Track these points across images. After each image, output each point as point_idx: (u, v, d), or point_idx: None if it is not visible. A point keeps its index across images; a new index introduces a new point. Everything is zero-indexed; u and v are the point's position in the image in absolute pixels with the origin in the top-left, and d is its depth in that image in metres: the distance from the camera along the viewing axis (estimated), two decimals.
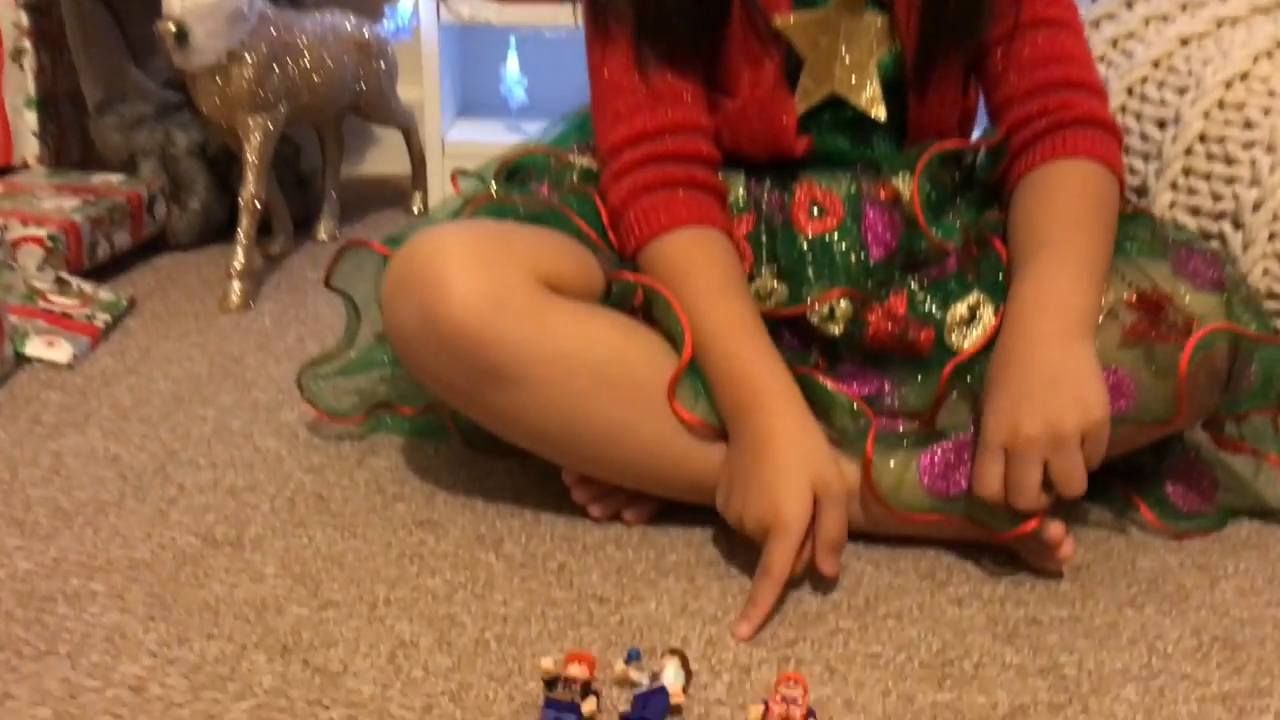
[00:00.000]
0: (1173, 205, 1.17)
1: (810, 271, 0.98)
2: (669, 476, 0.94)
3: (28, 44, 1.74)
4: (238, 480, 1.04)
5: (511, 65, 1.87)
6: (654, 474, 0.94)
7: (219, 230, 1.65)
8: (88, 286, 1.39)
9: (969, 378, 0.95)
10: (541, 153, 1.08)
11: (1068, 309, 0.87)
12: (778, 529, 0.85)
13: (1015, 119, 0.98)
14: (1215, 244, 1.13)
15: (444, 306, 0.87)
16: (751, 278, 0.99)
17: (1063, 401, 0.83)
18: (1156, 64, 1.24)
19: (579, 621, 0.85)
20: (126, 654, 0.80)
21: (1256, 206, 1.10)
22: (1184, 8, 1.29)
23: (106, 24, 1.64)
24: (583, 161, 1.06)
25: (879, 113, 0.99)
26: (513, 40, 1.87)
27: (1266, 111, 1.12)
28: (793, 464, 0.86)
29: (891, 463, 0.91)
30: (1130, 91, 1.24)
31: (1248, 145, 1.12)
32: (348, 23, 1.61)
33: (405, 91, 1.78)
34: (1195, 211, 1.15)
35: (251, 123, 1.44)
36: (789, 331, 0.99)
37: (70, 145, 1.84)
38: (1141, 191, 1.20)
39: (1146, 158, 1.20)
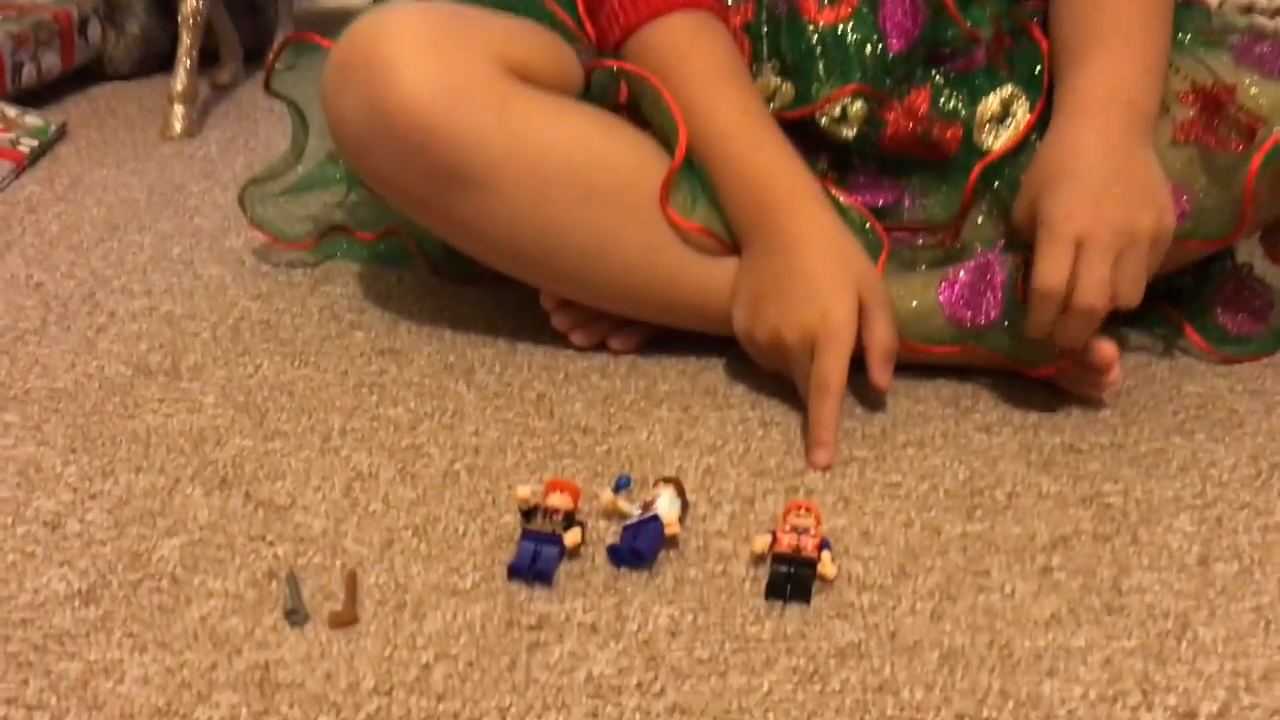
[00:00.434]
0: (1221, 4, 1.04)
1: (820, 67, 0.86)
2: (660, 296, 0.83)
3: None
4: (175, 308, 0.93)
5: None
6: (643, 294, 0.83)
7: (161, 59, 1.50)
8: (11, 110, 1.25)
9: (997, 184, 0.84)
10: None
11: (1134, 106, 0.76)
12: (828, 336, 0.75)
13: None
14: None
15: (393, 94, 0.75)
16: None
17: (1138, 200, 0.73)
18: None
19: (560, 452, 0.75)
20: (42, 488, 0.70)
21: None
22: None
23: None
24: None
25: None
26: None
27: None
28: (834, 266, 0.76)
29: (908, 289, 0.81)
30: None
31: None
32: None
33: None
34: (1248, 9, 1.03)
35: None
36: (794, 137, 0.87)
37: None
38: None
39: None
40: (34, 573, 0.62)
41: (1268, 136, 0.77)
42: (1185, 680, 0.57)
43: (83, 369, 0.83)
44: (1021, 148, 0.83)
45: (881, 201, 0.88)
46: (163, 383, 0.82)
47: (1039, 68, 0.84)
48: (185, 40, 1.31)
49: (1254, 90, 0.79)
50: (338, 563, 0.64)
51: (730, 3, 0.88)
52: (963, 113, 0.85)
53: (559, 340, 0.88)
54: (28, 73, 1.34)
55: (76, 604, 0.60)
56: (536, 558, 0.63)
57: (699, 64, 0.81)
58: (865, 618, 0.60)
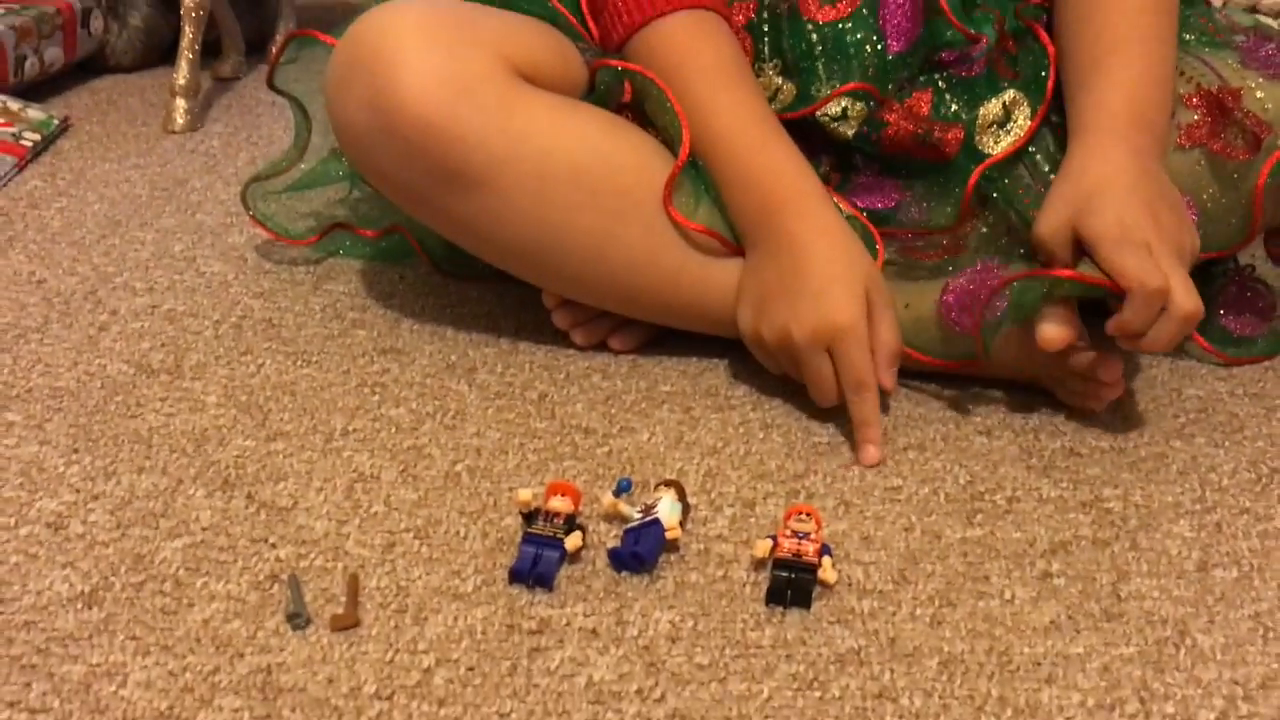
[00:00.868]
0: (1225, 2, 1.04)
1: (820, 65, 0.86)
2: (661, 297, 0.83)
3: None
4: (178, 305, 0.93)
5: None
6: (644, 294, 0.83)
7: (164, 52, 1.50)
8: (14, 103, 1.25)
9: (996, 192, 0.84)
10: None
11: (1153, 125, 0.76)
12: (842, 333, 0.75)
13: None
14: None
15: (397, 93, 0.74)
16: None
17: (1180, 218, 0.73)
18: None
19: (562, 454, 0.75)
20: (44, 489, 0.70)
21: None
22: None
23: None
24: None
25: None
26: None
27: None
28: (840, 265, 0.76)
29: (907, 297, 0.81)
30: None
31: None
32: None
33: None
34: (1252, 8, 1.03)
35: None
36: (796, 138, 0.87)
37: None
38: None
39: None
40: (37, 574, 0.62)
41: (1275, 146, 0.77)
42: (1184, 688, 0.57)
43: (85, 367, 0.83)
44: (1020, 154, 0.83)
45: (882, 205, 0.87)
46: (165, 382, 0.82)
47: (1043, 72, 0.83)
48: (188, 33, 1.30)
49: (1260, 94, 0.79)
50: (339, 565, 0.64)
51: (732, 1, 0.88)
52: (964, 116, 0.85)
53: (560, 339, 0.88)
54: (30, 65, 1.34)
55: (79, 606, 0.60)
56: (537, 561, 0.63)
57: (702, 63, 0.81)
58: (865, 624, 0.61)
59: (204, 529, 0.67)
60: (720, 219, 0.81)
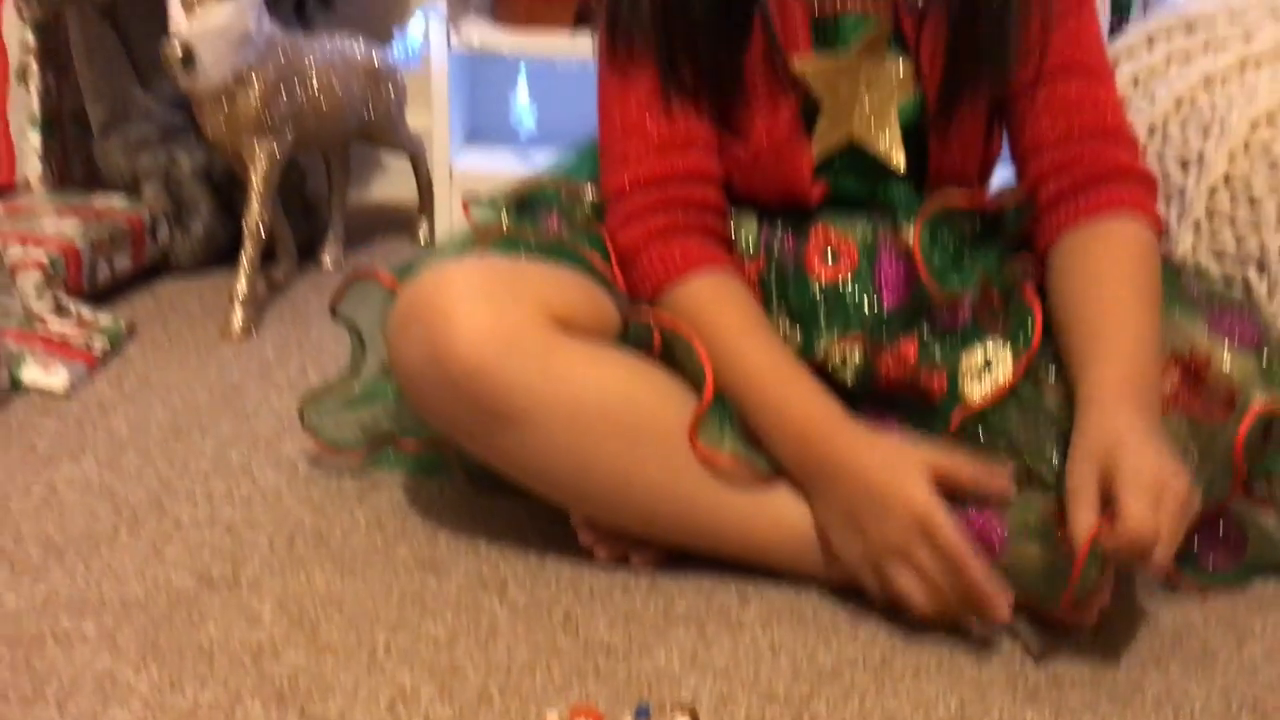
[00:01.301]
0: (1195, 249, 1.14)
1: (822, 318, 0.96)
2: (678, 521, 0.91)
3: (33, 64, 1.73)
4: (235, 515, 1.01)
5: (521, 94, 1.85)
6: (662, 518, 0.91)
7: (222, 253, 1.62)
8: (86, 311, 1.37)
9: (983, 430, 0.92)
10: (552, 186, 1.06)
11: (1152, 393, 0.85)
12: (925, 518, 0.82)
13: (1046, 167, 0.96)
14: (1239, 288, 1.10)
15: (451, 344, 0.85)
16: None
17: (1185, 479, 0.79)
18: (1179, 103, 1.22)
19: (585, 672, 0.82)
20: (117, 699, 0.77)
21: None
22: (1206, 46, 1.27)
23: (112, 45, 1.62)
24: (593, 195, 1.04)
25: (899, 160, 0.97)
26: (523, 68, 1.85)
27: None
28: (894, 464, 0.84)
29: None
30: (1152, 131, 1.22)
31: (1273, 189, 1.10)
32: (357, 48, 1.59)
33: (414, 118, 1.76)
34: (1219, 255, 1.13)
35: (257, 148, 1.42)
36: None
37: (73, 165, 1.82)
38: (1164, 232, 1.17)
39: (1169, 199, 1.18)
40: None
41: (1247, 406, 0.86)
42: None
43: (152, 578, 0.91)
44: (1003, 403, 0.92)
45: None
46: (225, 594, 0.90)
47: (1027, 329, 0.93)
48: (248, 248, 1.42)
49: (1227, 365, 0.88)
50: None
51: (745, 260, 0.99)
52: (947, 363, 0.94)
53: (584, 554, 0.96)
54: (102, 274, 1.46)
55: None
56: None
57: (726, 318, 0.91)
58: None
59: None
60: (742, 450, 0.90)
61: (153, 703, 0.77)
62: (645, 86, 0.97)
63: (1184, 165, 1.17)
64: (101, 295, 1.47)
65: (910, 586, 0.84)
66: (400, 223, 1.91)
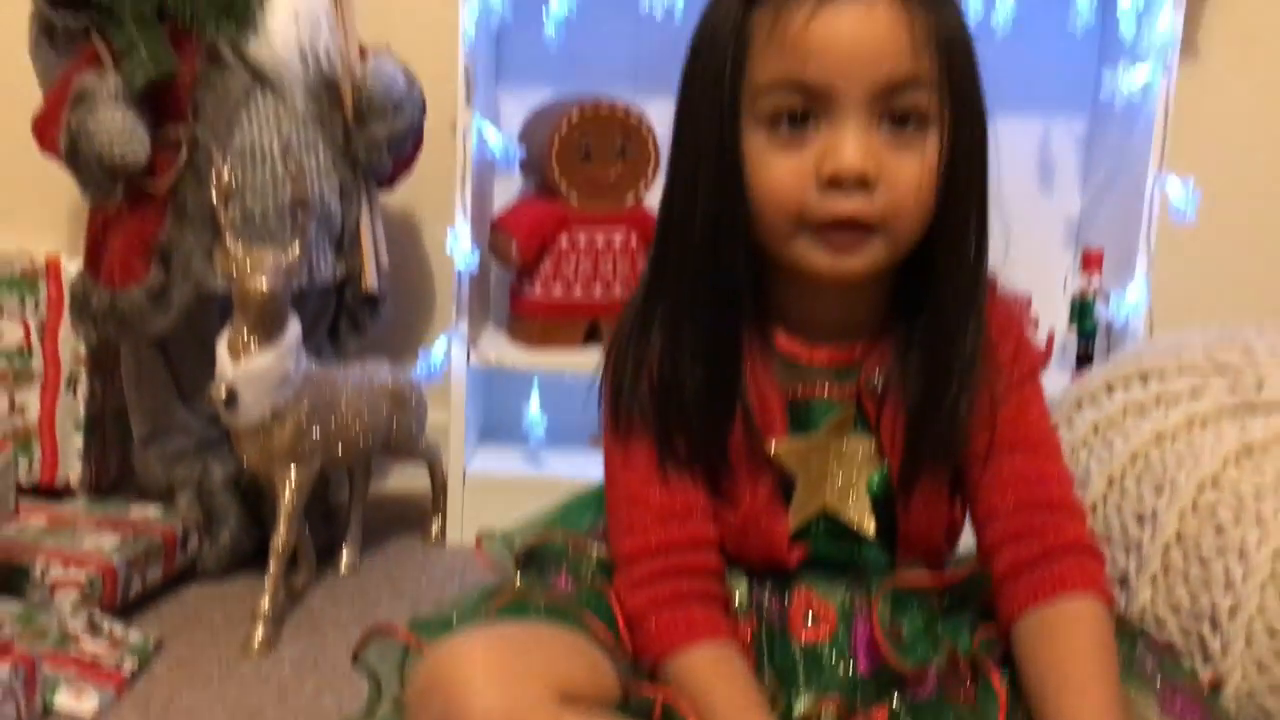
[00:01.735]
0: (1153, 601, 1.23)
1: (801, 677, 1.04)
2: None
3: (84, 374, 1.88)
4: None
5: (533, 405, 1.99)
6: None
7: (245, 559, 1.72)
8: (118, 628, 1.45)
9: None
10: (559, 541, 1.16)
11: None
12: None
13: (1000, 534, 1.05)
14: (1195, 643, 1.18)
15: (465, 718, 0.92)
16: None
17: None
18: (1134, 458, 1.33)
19: None
20: None
21: (1232, 613, 1.16)
22: (1158, 400, 1.39)
23: (159, 366, 1.77)
24: (599, 552, 1.14)
25: (869, 527, 1.07)
26: (536, 380, 2.00)
27: (1237, 519, 1.20)
28: None
29: None
30: (1111, 483, 1.33)
31: (1220, 551, 1.19)
32: (384, 372, 1.74)
33: (431, 415, 1.88)
34: (1175, 609, 1.22)
35: (289, 474, 1.53)
36: None
37: (110, 465, 1.95)
38: (1123, 583, 1.27)
39: (1127, 550, 1.28)
40: None
41: None
42: None
43: None
44: None
45: None
46: None
47: (993, 710, 1.00)
48: (273, 568, 1.52)
49: None
50: None
51: (740, 618, 1.08)
52: None
53: None
54: (135, 588, 1.55)
55: None
56: None
57: (723, 693, 0.98)
58: None
59: None
60: None
61: None
62: (645, 458, 1.08)
63: (1140, 520, 1.28)
64: (131, 606, 1.56)
65: None
66: (414, 517, 2.01)
